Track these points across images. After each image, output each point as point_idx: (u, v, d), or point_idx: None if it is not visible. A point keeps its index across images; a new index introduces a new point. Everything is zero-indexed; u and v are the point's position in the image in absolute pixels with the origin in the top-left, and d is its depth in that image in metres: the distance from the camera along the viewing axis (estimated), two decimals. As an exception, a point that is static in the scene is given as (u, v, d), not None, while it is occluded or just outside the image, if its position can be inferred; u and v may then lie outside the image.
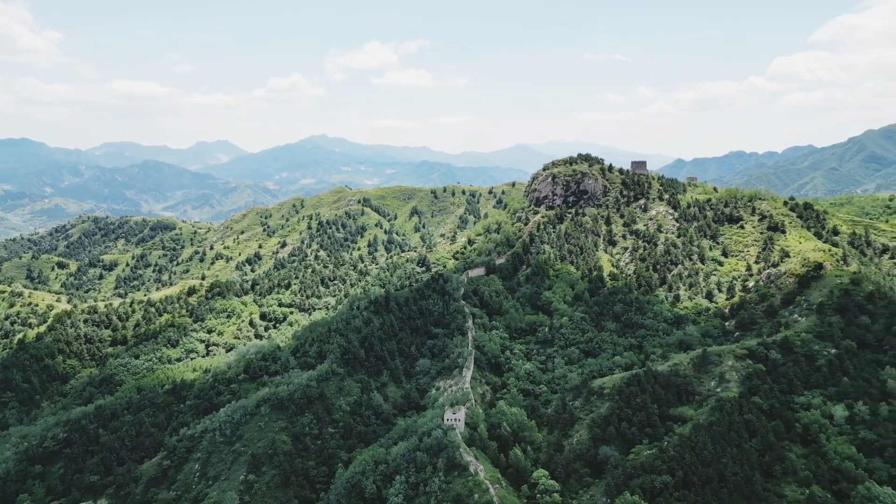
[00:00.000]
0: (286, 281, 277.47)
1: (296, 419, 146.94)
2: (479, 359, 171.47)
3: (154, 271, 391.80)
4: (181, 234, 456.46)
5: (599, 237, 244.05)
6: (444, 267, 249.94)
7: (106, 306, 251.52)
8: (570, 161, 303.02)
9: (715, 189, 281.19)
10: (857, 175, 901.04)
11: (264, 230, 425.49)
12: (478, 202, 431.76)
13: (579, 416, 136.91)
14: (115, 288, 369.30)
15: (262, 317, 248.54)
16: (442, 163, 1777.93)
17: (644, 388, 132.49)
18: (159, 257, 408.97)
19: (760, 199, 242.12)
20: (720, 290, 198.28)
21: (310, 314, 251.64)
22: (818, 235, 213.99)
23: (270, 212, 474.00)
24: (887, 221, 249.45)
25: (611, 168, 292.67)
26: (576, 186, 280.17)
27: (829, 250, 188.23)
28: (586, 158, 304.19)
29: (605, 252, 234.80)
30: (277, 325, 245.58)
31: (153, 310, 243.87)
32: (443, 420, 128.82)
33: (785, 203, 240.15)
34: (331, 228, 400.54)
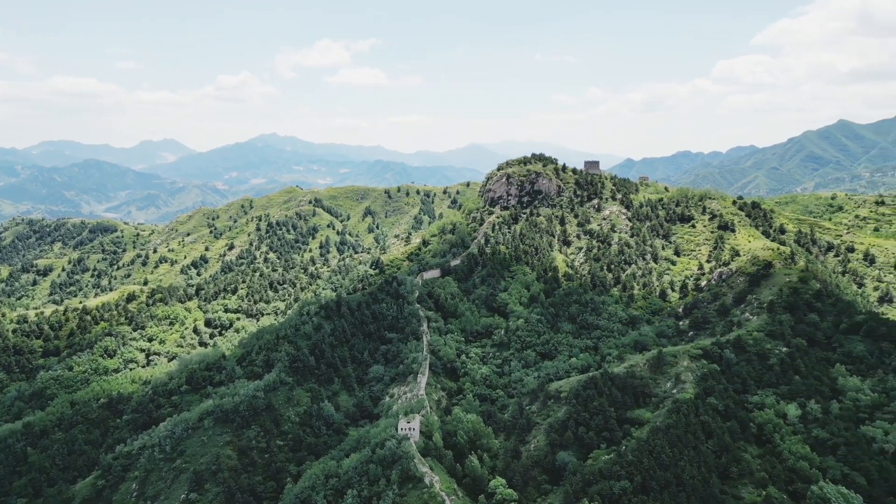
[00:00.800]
0: (233, 285, 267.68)
1: (241, 432, 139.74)
2: (434, 364, 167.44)
3: (93, 276, 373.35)
4: (122, 236, 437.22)
5: (554, 237, 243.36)
6: (399, 269, 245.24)
7: (37, 314, 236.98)
8: (525, 161, 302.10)
9: (666, 189, 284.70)
10: (796, 174, 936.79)
11: (211, 232, 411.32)
12: (432, 202, 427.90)
13: (536, 420, 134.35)
14: (50, 294, 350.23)
15: (207, 323, 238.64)
16: (396, 162, 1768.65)
17: (601, 391, 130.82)
18: (98, 261, 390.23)
19: (710, 198, 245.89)
20: (673, 290, 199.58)
21: (257, 320, 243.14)
22: (766, 234, 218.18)
23: (218, 213, 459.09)
24: (830, 220, 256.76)
25: (564, 168, 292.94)
26: (530, 186, 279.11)
27: (777, 249, 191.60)
28: (540, 158, 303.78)
29: (560, 252, 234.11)
30: (223, 332, 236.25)
31: (89, 318, 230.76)
32: (397, 429, 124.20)
33: (734, 202, 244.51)
34: (281, 230, 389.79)
